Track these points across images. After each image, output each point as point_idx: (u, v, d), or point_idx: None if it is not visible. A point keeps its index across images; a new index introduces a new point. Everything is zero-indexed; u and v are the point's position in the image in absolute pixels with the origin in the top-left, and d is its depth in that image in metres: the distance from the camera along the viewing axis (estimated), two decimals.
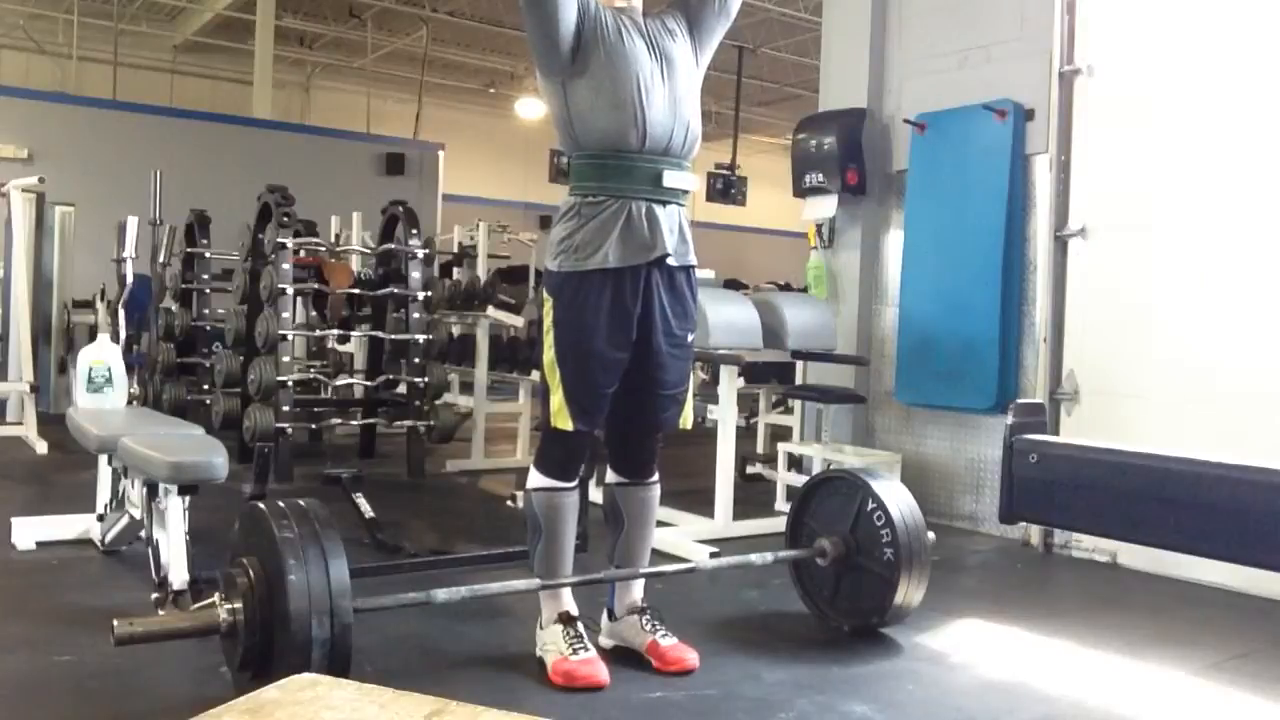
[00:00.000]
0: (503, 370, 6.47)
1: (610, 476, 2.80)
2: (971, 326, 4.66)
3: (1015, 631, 3.23)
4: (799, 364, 5.27)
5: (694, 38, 2.68)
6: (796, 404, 5.48)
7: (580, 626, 2.66)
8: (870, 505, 2.96)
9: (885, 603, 2.91)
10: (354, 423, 6.28)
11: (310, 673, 1.69)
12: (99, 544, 3.73)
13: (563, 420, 2.54)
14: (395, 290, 5.70)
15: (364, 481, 4.25)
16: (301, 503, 2.32)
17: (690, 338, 2.71)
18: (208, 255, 6.52)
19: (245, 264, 5.69)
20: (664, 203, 2.56)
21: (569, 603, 2.69)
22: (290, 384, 5.20)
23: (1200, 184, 4.00)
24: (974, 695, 2.65)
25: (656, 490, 2.82)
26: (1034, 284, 4.57)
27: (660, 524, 3.31)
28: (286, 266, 5.21)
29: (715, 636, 2.98)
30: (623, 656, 2.74)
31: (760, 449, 5.78)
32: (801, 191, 5.46)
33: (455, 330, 7.03)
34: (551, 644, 2.63)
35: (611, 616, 2.83)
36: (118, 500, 3.59)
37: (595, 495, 3.03)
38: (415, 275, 5.63)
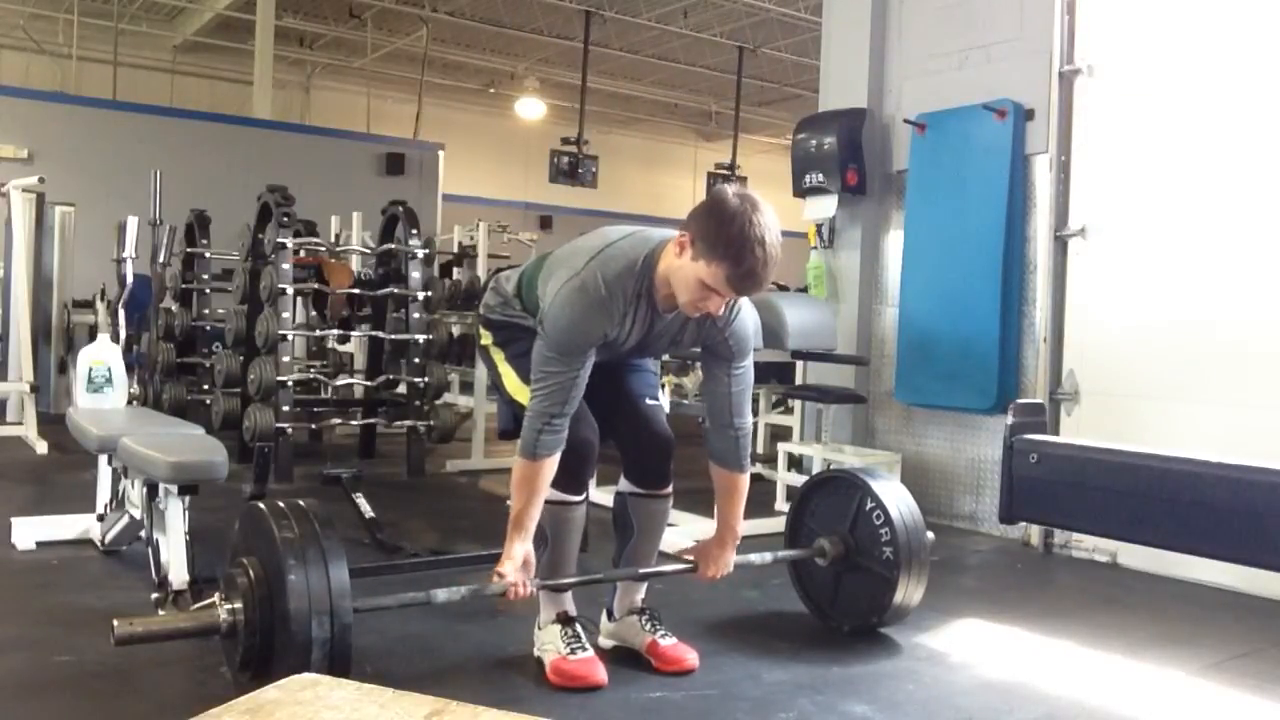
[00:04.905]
0: None
1: (623, 485, 2.79)
2: (971, 326, 4.66)
3: (1015, 631, 3.23)
4: (799, 364, 5.27)
5: (699, 347, 2.62)
6: (796, 404, 5.49)
7: (578, 627, 2.66)
8: (869, 505, 2.97)
9: (884, 602, 2.91)
10: (354, 423, 6.28)
11: (310, 673, 1.69)
12: (99, 544, 3.73)
13: None
14: (395, 290, 5.70)
15: (364, 481, 4.25)
16: (301, 503, 2.32)
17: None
18: (208, 255, 6.53)
19: (245, 264, 5.69)
20: None
21: (568, 603, 2.69)
22: (290, 384, 5.20)
23: (1200, 183, 4.00)
24: (974, 695, 2.65)
25: (669, 503, 2.82)
26: (1034, 284, 4.57)
27: None
28: (286, 266, 5.21)
29: (715, 636, 2.99)
30: (622, 656, 2.75)
31: (760, 449, 5.78)
32: (801, 191, 5.46)
33: (455, 330, 7.04)
34: (550, 644, 2.63)
35: (610, 616, 2.83)
36: (118, 500, 3.59)
37: (595, 495, 3.03)
38: (415, 275, 5.63)
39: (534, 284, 2.56)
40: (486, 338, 2.78)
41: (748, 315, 2.57)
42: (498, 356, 2.74)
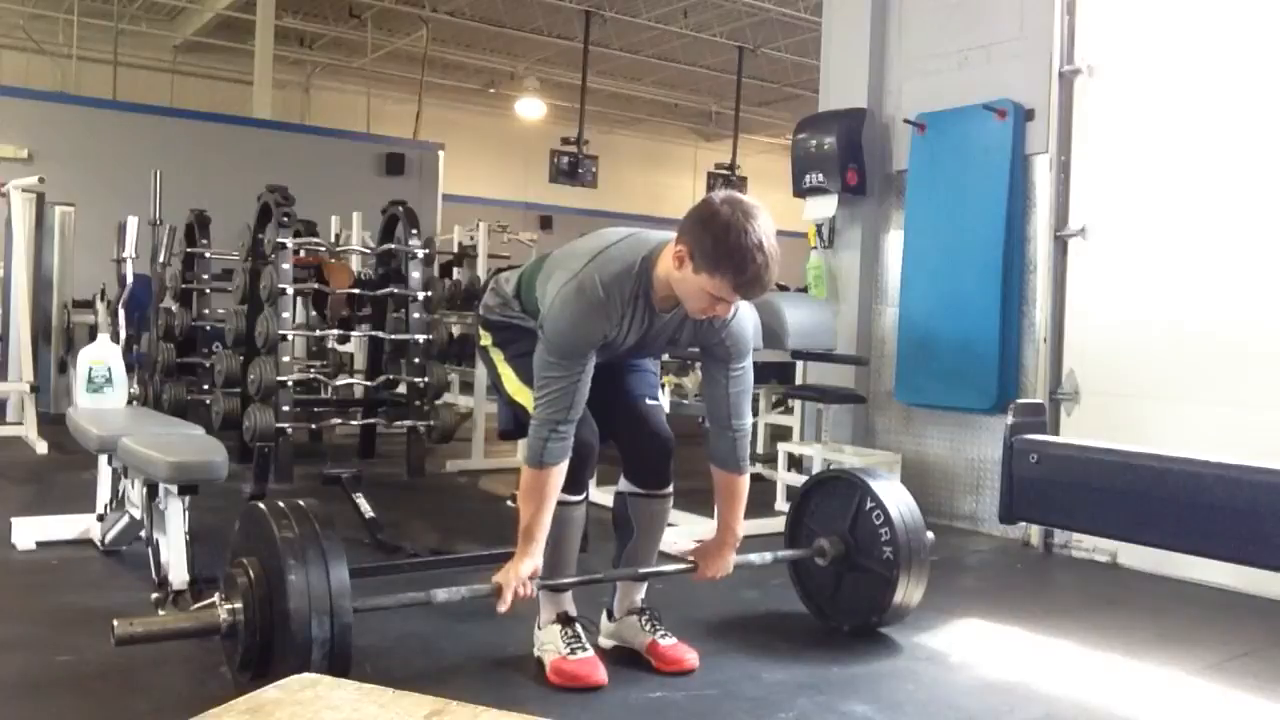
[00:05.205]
0: None
1: (623, 485, 2.79)
2: (971, 326, 4.66)
3: (1015, 631, 3.23)
4: (799, 364, 5.27)
5: (696, 347, 2.62)
6: (796, 404, 5.49)
7: (578, 627, 2.66)
8: (869, 505, 2.97)
9: (884, 602, 2.91)
10: (354, 423, 6.28)
11: (310, 673, 1.69)
12: (99, 544, 3.73)
13: None
14: (395, 290, 5.70)
15: (364, 481, 4.25)
16: (301, 503, 2.32)
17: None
18: (208, 255, 6.53)
19: (245, 264, 5.69)
20: None
21: (568, 603, 2.69)
22: (290, 384, 5.20)
23: (1200, 183, 4.00)
24: (974, 695, 2.65)
25: (669, 503, 2.82)
26: (1034, 284, 4.57)
27: None
28: (286, 266, 5.21)
29: (715, 636, 2.99)
30: (623, 656, 2.75)
31: (760, 449, 5.78)
32: (801, 191, 5.46)
33: (455, 330, 7.04)
34: (549, 644, 2.63)
35: (610, 616, 2.83)
36: (118, 500, 3.59)
37: (595, 495, 3.02)
38: (415, 275, 5.63)
39: (533, 285, 2.56)
40: (486, 338, 2.78)
41: (746, 316, 2.57)
42: (497, 357, 2.74)
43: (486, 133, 17.16)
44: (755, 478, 5.27)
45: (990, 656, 2.96)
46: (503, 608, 2.43)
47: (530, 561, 2.45)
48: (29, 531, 3.81)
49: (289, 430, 5.11)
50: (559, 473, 2.44)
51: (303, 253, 5.87)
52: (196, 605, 2.65)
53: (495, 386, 2.81)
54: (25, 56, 13.65)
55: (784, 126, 15.24)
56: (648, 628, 2.74)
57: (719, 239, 2.24)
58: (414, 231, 5.69)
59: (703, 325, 2.50)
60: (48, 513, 4.01)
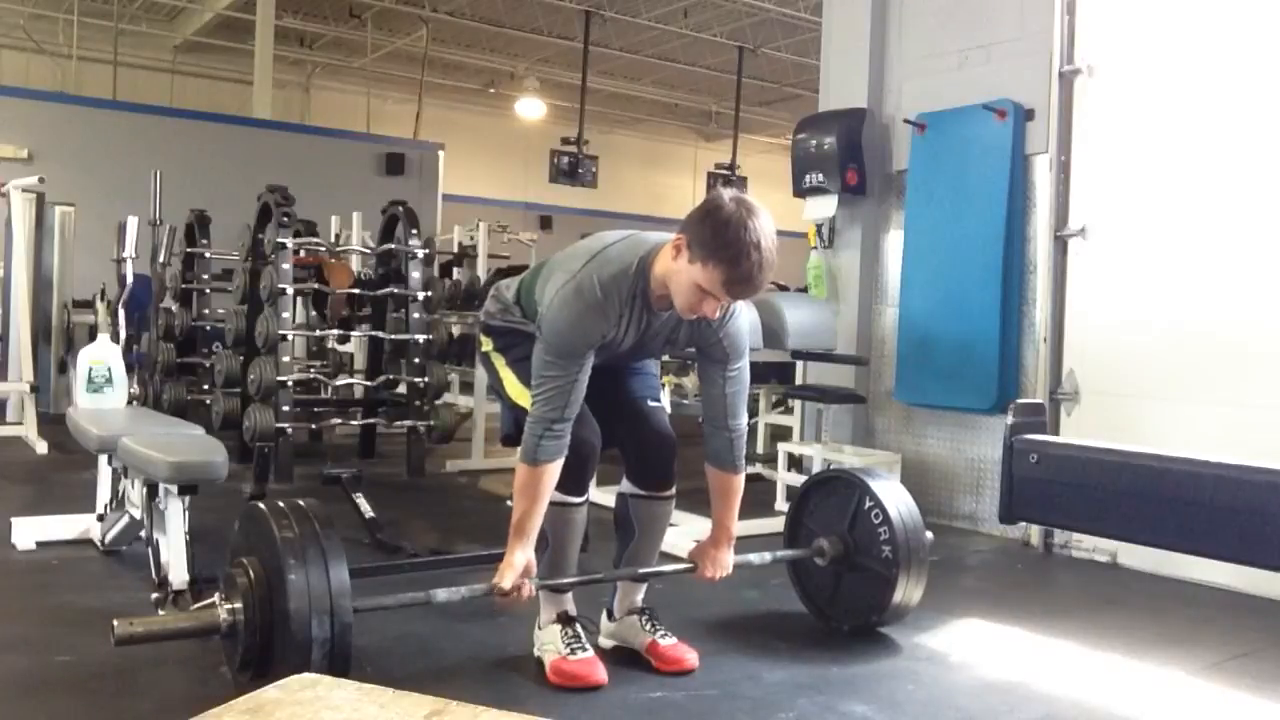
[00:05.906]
0: None
1: (625, 486, 2.79)
2: (971, 326, 4.66)
3: (1015, 631, 3.23)
4: (799, 364, 5.27)
5: (694, 347, 2.63)
6: (796, 404, 5.49)
7: (578, 627, 2.66)
8: (868, 504, 2.97)
9: (884, 601, 2.91)
10: (354, 423, 6.28)
11: (310, 673, 1.69)
12: (99, 544, 3.73)
13: None
14: (395, 290, 5.70)
15: (364, 481, 4.25)
16: (301, 503, 2.33)
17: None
18: (208, 255, 6.53)
19: (245, 264, 5.70)
20: None
21: (568, 603, 2.69)
22: (290, 384, 5.20)
23: (1200, 183, 4.00)
24: (974, 695, 2.65)
25: (671, 505, 2.82)
26: (1034, 284, 4.57)
27: None
28: (286, 266, 5.21)
29: (715, 636, 2.99)
30: (623, 656, 2.75)
31: (760, 449, 5.78)
32: (801, 191, 5.46)
33: (455, 330, 7.04)
34: (549, 644, 2.63)
35: (610, 617, 2.83)
36: (118, 500, 3.59)
37: (597, 496, 3.02)
38: (415, 275, 5.63)
39: (532, 290, 2.58)
40: (487, 344, 2.79)
41: (742, 316, 2.58)
42: (498, 362, 2.75)
43: (486, 133, 17.17)
44: (755, 478, 5.33)
45: (990, 656, 2.96)
46: (499, 593, 2.44)
47: (522, 554, 2.46)
48: (29, 531, 3.81)
49: (289, 430, 5.11)
50: (553, 470, 2.45)
51: (303, 253, 5.88)
52: (196, 605, 2.65)
53: (497, 392, 2.81)
54: (25, 56, 13.65)
55: (784, 126, 15.25)
56: (648, 627, 2.74)
57: (718, 231, 2.26)
58: (414, 231, 5.69)
59: (700, 325, 2.51)
60: (48, 513, 4.01)
